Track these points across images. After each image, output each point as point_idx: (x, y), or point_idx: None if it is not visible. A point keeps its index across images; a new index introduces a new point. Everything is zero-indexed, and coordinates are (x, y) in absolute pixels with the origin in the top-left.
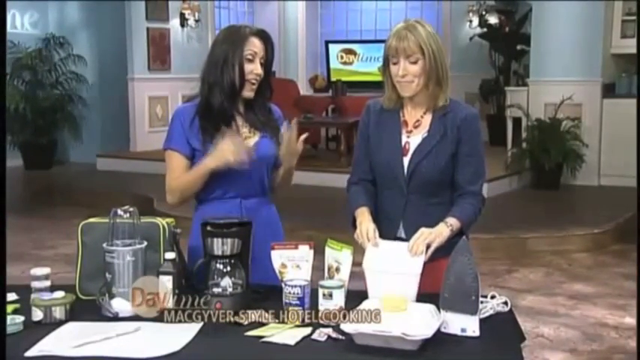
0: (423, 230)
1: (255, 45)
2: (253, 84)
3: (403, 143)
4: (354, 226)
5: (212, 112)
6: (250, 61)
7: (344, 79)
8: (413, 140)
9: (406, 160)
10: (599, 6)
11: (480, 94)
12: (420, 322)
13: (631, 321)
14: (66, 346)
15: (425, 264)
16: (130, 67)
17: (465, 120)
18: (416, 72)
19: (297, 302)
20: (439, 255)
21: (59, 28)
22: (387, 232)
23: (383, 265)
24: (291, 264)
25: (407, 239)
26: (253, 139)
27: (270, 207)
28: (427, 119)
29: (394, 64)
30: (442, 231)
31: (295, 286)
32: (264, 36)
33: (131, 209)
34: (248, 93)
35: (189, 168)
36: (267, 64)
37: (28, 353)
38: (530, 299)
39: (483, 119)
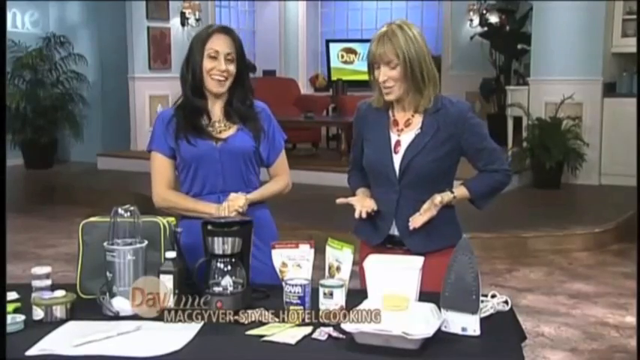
0: (424, 207)
1: (216, 43)
2: (220, 80)
3: (394, 141)
4: (355, 232)
5: (187, 108)
6: (213, 58)
7: (344, 78)
8: (404, 138)
9: (398, 158)
10: (599, 5)
11: (480, 93)
12: (420, 321)
13: (632, 320)
14: (67, 345)
15: (425, 258)
16: (131, 66)
17: (461, 117)
18: (395, 77)
19: (298, 301)
20: (439, 249)
21: (60, 27)
22: (379, 229)
23: (383, 261)
24: (292, 263)
25: (400, 237)
26: (228, 132)
27: (258, 204)
28: (418, 118)
29: (376, 68)
30: (443, 196)
31: (296, 285)
32: (228, 33)
33: (132, 208)
34: (215, 88)
35: (172, 167)
36: (238, 59)
37: (29, 352)
38: (531, 298)
39: (484, 118)
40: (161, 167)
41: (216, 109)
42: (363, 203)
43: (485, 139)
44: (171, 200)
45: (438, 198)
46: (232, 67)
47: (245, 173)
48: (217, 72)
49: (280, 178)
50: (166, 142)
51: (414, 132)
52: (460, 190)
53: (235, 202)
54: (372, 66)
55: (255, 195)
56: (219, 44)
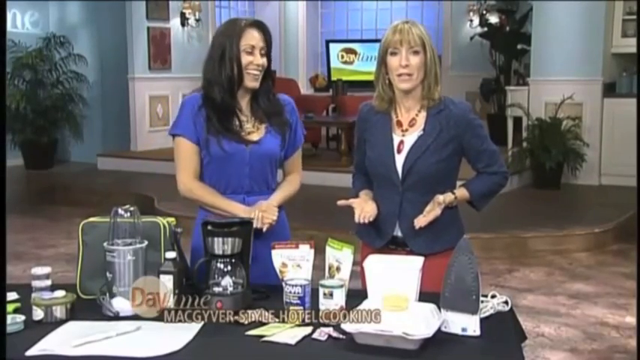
0: (428, 208)
1: (252, 38)
2: (256, 75)
3: (397, 142)
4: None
5: (216, 105)
6: (249, 53)
7: (344, 78)
8: (408, 139)
9: (401, 159)
10: (599, 5)
11: (480, 94)
12: (420, 322)
13: (631, 320)
14: (66, 345)
15: (425, 259)
16: (131, 66)
17: (463, 117)
18: (417, 63)
19: (298, 302)
20: (440, 250)
21: (60, 28)
22: (383, 231)
23: (383, 261)
24: (292, 263)
25: (403, 238)
26: (257, 135)
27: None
28: (422, 118)
29: (393, 54)
30: (445, 197)
31: (296, 286)
32: (261, 27)
33: (132, 208)
34: (252, 83)
35: (198, 155)
36: (267, 54)
37: (29, 352)
38: (531, 298)
39: (484, 118)
40: (187, 154)
41: (243, 104)
42: (363, 207)
43: (486, 141)
44: (198, 194)
45: (440, 198)
46: (265, 61)
47: (269, 176)
48: (254, 66)
49: (293, 177)
50: (195, 129)
51: (416, 133)
52: (461, 192)
53: (269, 215)
54: (383, 58)
55: (279, 200)
56: (254, 39)
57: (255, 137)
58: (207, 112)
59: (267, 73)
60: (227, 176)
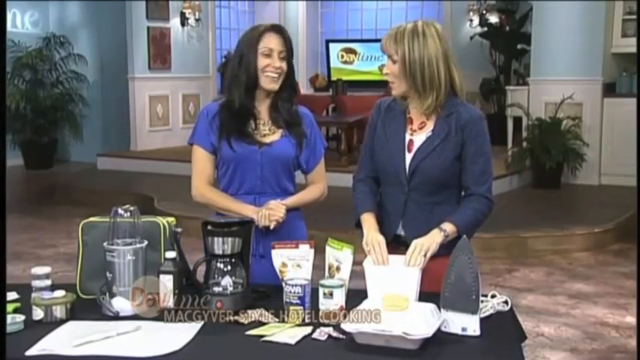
0: (416, 243)
1: (270, 41)
2: (274, 77)
3: (407, 141)
4: (357, 226)
5: (233, 109)
6: (267, 55)
7: (344, 78)
8: (417, 139)
9: (409, 158)
10: (599, 5)
11: (480, 94)
12: (420, 322)
13: (632, 320)
14: (66, 345)
15: (428, 260)
16: (131, 66)
17: (470, 122)
18: (395, 72)
19: (298, 301)
20: (439, 253)
21: (60, 28)
22: (386, 229)
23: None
24: (292, 263)
25: (406, 237)
26: (272, 137)
27: (294, 210)
28: (431, 121)
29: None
30: (435, 238)
31: (296, 286)
32: (280, 31)
33: (132, 208)
34: (269, 85)
35: (212, 162)
36: (288, 57)
37: (29, 352)
38: (531, 298)
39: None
40: (202, 162)
41: (263, 109)
42: (377, 248)
43: (483, 156)
44: (209, 197)
45: (434, 246)
46: (285, 65)
47: (282, 178)
48: (272, 69)
49: (317, 186)
50: (208, 138)
51: (425, 134)
52: (450, 227)
53: (276, 213)
54: None
55: (292, 201)
56: (272, 42)
57: (269, 140)
58: (223, 118)
59: (289, 82)
60: (239, 177)
